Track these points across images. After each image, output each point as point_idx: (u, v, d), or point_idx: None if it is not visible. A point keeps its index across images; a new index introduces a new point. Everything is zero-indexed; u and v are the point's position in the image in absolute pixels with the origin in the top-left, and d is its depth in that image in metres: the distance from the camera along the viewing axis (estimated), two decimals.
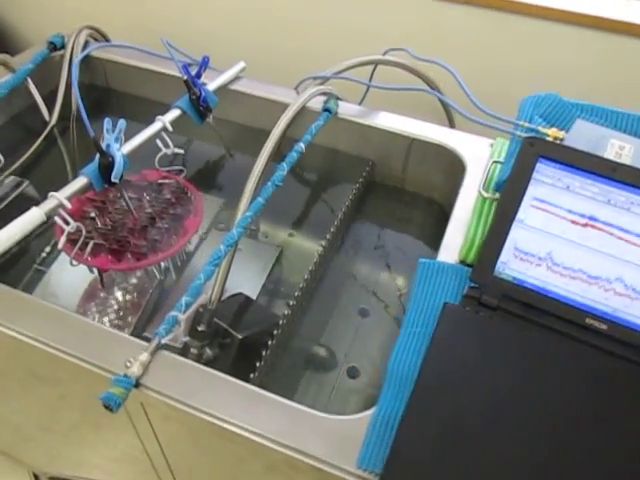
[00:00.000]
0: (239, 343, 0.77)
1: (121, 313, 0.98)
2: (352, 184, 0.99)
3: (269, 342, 0.76)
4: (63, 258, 1.00)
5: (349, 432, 0.57)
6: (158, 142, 0.93)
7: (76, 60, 0.79)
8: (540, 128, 0.81)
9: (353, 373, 0.84)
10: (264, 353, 0.74)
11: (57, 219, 0.78)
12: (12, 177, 0.97)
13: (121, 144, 0.80)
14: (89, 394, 0.68)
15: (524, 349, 0.61)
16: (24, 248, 0.98)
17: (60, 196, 0.76)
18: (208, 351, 0.77)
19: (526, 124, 0.83)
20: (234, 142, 1.07)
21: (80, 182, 0.79)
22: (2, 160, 0.96)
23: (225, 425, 0.58)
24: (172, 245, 0.89)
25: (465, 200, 0.84)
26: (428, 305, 0.67)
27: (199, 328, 0.76)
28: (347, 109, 1.01)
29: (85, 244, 0.84)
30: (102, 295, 1.01)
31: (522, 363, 0.60)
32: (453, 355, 0.60)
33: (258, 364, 0.72)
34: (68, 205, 0.77)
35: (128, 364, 0.60)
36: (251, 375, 0.70)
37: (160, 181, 0.97)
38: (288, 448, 0.57)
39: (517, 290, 0.66)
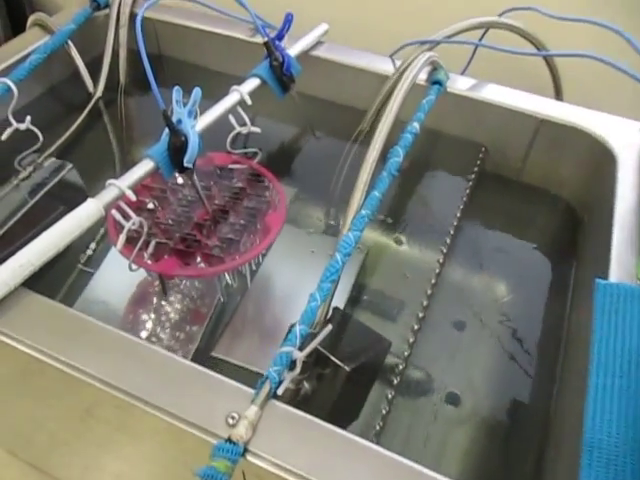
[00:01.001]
0: (346, 376, 0.60)
1: (181, 325, 0.81)
2: (461, 174, 0.81)
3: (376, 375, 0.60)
4: (112, 257, 0.83)
5: None
6: (231, 118, 0.76)
7: (138, 16, 0.62)
8: None
9: (452, 399, 0.68)
10: (387, 398, 0.57)
11: (115, 213, 0.61)
12: (52, 159, 0.80)
13: (196, 119, 0.63)
14: (163, 449, 0.52)
15: None
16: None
17: (122, 185, 0.59)
18: (306, 385, 0.61)
19: None
20: (312, 121, 0.89)
21: (145, 167, 0.62)
22: (40, 138, 0.79)
23: None
24: (251, 246, 0.72)
25: (626, 201, 0.66)
26: (621, 343, 0.50)
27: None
28: (454, 81, 0.83)
29: (145, 244, 0.67)
30: (155, 301, 0.85)
31: None
32: None
33: (380, 419, 0.55)
34: (132, 197, 0.60)
35: (231, 421, 0.44)
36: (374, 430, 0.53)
37: (231, 166, 0.80)
38: None
39: None
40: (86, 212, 0.56)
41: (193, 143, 0.62)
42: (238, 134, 0.79)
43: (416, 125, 0.68)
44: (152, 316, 0.83)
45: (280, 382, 0.46)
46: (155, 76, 0.58)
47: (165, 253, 0.70)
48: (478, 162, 0.81)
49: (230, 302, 0.80)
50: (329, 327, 0.46)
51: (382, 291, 0.78)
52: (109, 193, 0.59)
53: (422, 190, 0.86)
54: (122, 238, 0.63)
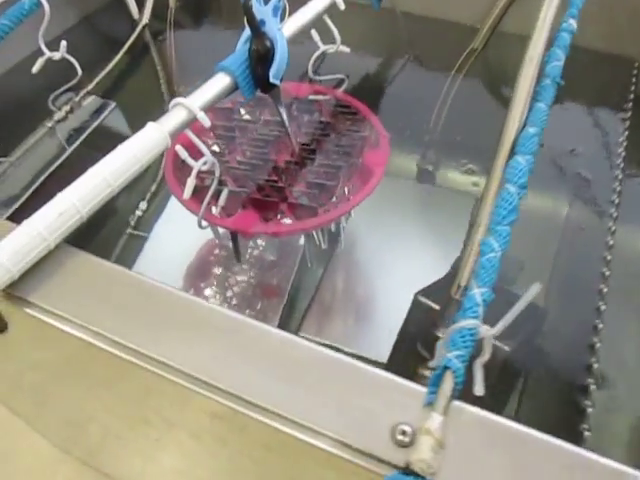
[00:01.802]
0: (504, 358, 0.44)
1: (253, 300, 0.66)
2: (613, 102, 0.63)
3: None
4: (168, 218, 0.68)
5: None
6: (313, 34, 0.59)
7: None
8: None
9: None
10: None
11: (180, 149, 0.45)
12: (92, 97, 0.64)
13: (283, 19, 0.46)
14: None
15: None
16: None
17: (192, 105, 0.43)
18: None
19: None
20: (407, 41, 0.72)
21: (219, 83, 0.46)
22: (79, 72, 0.63)
23: None
24: (348, 194, 0.55)
25: None
26: None
27: (439, 334, 0.44)
28: None
29: (215, 195, 0.52)
30: (219, 271, 0.70)
31: None
32: None
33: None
34: (206, 121, 0.43)
35: (402, 437, 0.27)
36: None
37: (311, 97, 0.63)
38: None
39: None
40: (146, 140, 0.40)
41: (282, 49, 0.45)
42: (322, 56, 0.62)
43: (572, 22, 0.51)
44: (216, 290, 0.68)
45: (463, 375, 0.30)
46: None
47: (239, 206, 0.54)
48: (632, 85, 0.62)
49: (309, 268, 0.64)
50: (537, 287, 0.30)
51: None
52: (175, 116, 0.42)
53: (569, 128, 0.67)
54: (190, 183, 0.47)
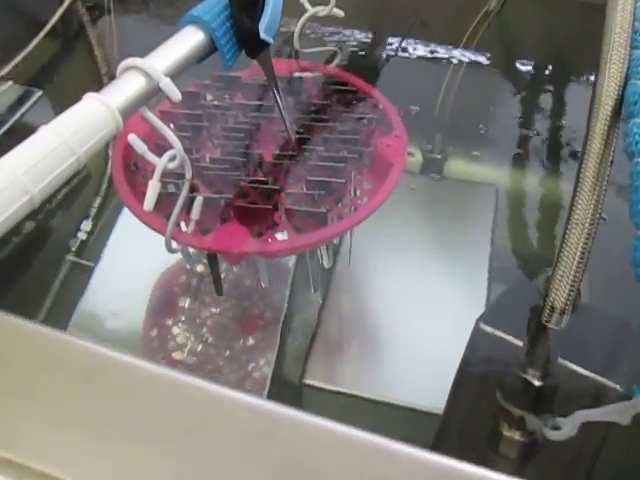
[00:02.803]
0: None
1: (237, 340, 0.51)
2: None
3: None
4: (119, 239, 0.53)
5: None
6: None
7: None
8: None
9: None
10: None
11: (134, 139, 0.31)
12: (9, 83, 0.49)
13: None
14: None
15: None
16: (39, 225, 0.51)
17: (151, 67, 0.28)
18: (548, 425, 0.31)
19: None
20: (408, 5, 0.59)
21: (188, 40, 0.32)
22: None
23: None
24: (361, 194, 0.42)
25: None
26: None
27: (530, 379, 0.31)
28: None
29: (187, 202, 0.38)
30: (188, 304, 0.56)
31: None
32: None
33: None
34: (175, 93, 0.29)
35: None
36: None
37: (298, 74, 0.50)
38: None
39: None
40: (83, 120, 0.25)
41: None
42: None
43: None
44: (185, 327, 0.54)
45: None
46: None
47: (218, 218, 0.40)
48: None
49: (302, 294, 0.50)
50: None
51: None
52: (128, 85, 0.28)
53: None
54: (153, 189, 0.33)
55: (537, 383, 0.31)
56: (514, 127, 0.58)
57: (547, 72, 0.63)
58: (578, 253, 0.30)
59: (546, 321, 0.31)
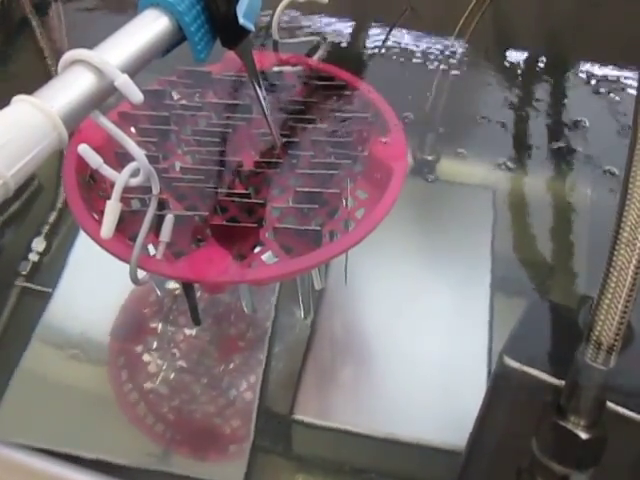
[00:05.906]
0: None
1: (215, 366, 0.46)
2: None
3: None
4: (78, 261, 0.46)
5: None
6: None
7: None
8: None
9: None
10: None
11: (85, 149, 0.25)
12: None
13: None
14: None
15: None
16: None
17: (101, 59, 0.22)
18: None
19: None
20: None
21: (149, 27, 0.25)
22: None
23: None
24: (356, 204, 0.37)
25: None
26: None
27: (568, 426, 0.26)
28: None
29: (157, 221, 0.32)
30: (158, 327, 0.50)
31: None
32: None
33: None
34: (138, 95, 0.23)
35: None
36: None
37: (277, 68, 0.44)
38: None
39: None
40: (16, 130, 0.19)
41: None
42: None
43: None
44: (160, 355, 0.48)
45: None
46: None
47: (191, 239, 0.34)
48: None
49: (288, 312, 0.45)
50: None
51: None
52: (73, 83, 0.22)
53: None
54: (112, 210, 0.27)
55: (584, 436, 0.26)
56: (509, 121, 0.54)
57: (540, 63, 0.59)
58: (629, 279, 0.25)
59: (591, 360, 0.26)
